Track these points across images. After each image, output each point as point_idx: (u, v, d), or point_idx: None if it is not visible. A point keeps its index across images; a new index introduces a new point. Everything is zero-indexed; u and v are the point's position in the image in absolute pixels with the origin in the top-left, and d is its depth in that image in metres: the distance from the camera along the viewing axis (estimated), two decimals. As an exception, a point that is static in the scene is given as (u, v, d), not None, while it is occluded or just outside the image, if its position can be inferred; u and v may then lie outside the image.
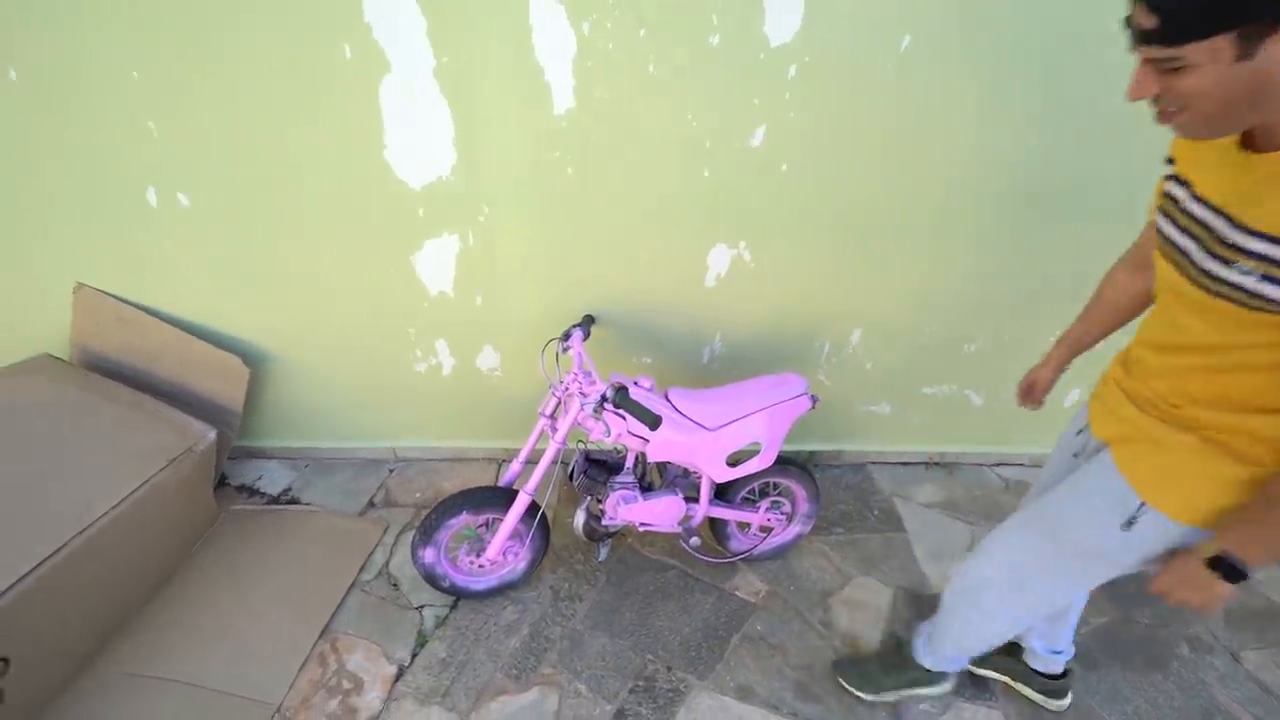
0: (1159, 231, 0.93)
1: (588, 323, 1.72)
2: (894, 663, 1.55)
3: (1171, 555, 0.96)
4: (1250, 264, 0.76)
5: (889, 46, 1.44)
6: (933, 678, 1.51)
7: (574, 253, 1.73)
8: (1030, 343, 1.96)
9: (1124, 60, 0.83)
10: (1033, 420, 2.19)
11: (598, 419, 1.48)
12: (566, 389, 1.52)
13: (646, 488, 1.71)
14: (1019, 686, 1.57)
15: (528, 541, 1.67)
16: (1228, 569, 0.86)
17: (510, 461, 1.84)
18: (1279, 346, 0.79)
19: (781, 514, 1.80)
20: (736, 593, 1.81)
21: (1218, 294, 0.80)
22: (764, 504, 1.77)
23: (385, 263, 1.75)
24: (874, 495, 2.13)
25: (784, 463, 1.74)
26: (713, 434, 1.54)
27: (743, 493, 1.77)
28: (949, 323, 1.91)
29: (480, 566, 1.68)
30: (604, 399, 1.40)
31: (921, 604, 1.80)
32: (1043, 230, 1.73)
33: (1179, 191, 0.90)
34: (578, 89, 1.47)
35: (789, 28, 1.41)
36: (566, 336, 1.62)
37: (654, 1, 1.36)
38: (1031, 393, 1.38)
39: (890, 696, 1.54)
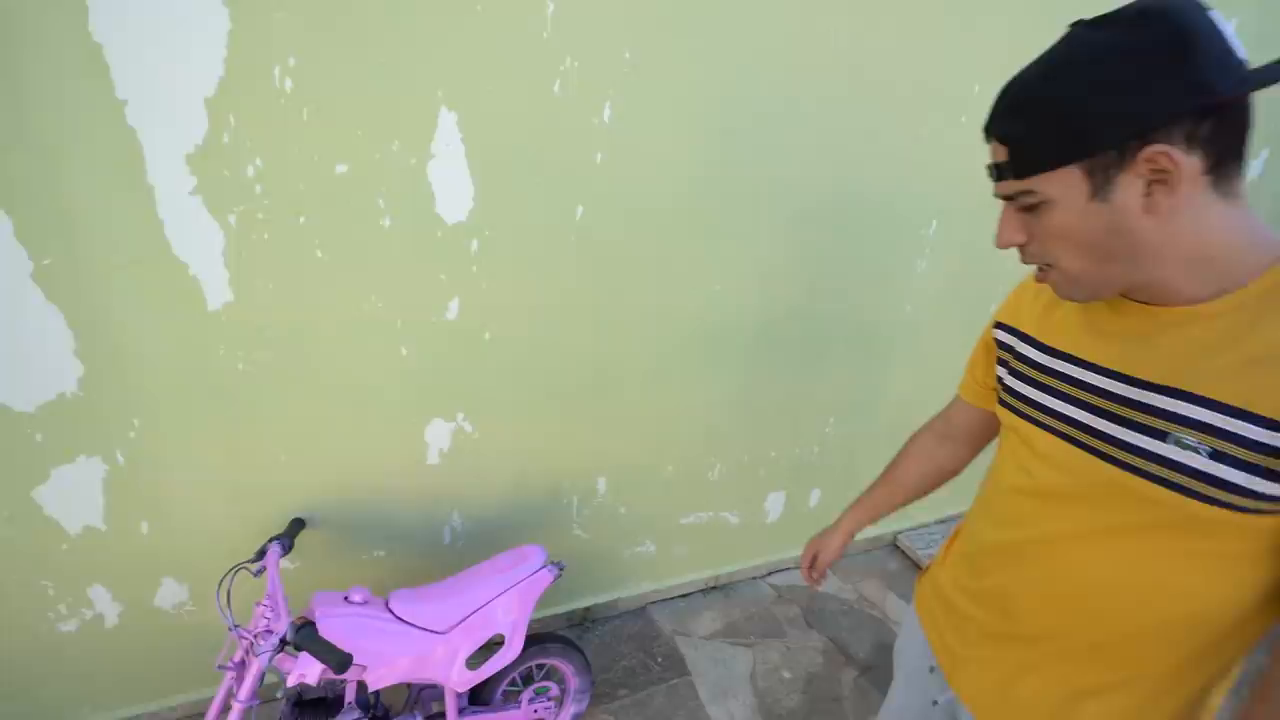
0: (1036, 405, 0.78)
1: (294, 531, 1.47)
2: None
3: None
4: (1194, 435, 0.62)
5: (566, 216, 1.53)
6: None
7: (265, 454, 1.50)
8: (761, 461, 2.11)
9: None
10: (789, 533, 2.34)
11: (293, 656, 1.22)
12: (254, 629, 1.24)
13: (385, 714, 1.43)
14: None
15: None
16: None
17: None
18: (1211, 563, 0.64)
19: (549, 700, 1.62)
20: (515, 811, 1.55)
21: (1159, 478, 0.64)
22: (526, 695, 1.58)
23: (-7, 505, 1.36)
24: (656, 640, 2.05)
25: (542, 640, 1.59)
26: (444, 637, 1.35)
27: (502, 687, 1.57)
28: (686, 456, 1.98)
29: None
30: (283, 641, 1.15)
31: (713, 757, 1.71)
32: (753, 360, 1.90)
33: (1042, 356, 0.79)
34: (234, 281, 1.32)
35: (462, 207, 1.43)
36: (260, 555, 1.36)
37: (310, 190, 1.30)
38: (816, 566, 1.16)
39: None
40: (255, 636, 1.23)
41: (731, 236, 1.71)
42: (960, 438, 1.07)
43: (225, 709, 1.24)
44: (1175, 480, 0.63)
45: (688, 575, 2.21)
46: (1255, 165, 2.58)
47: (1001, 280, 2.21)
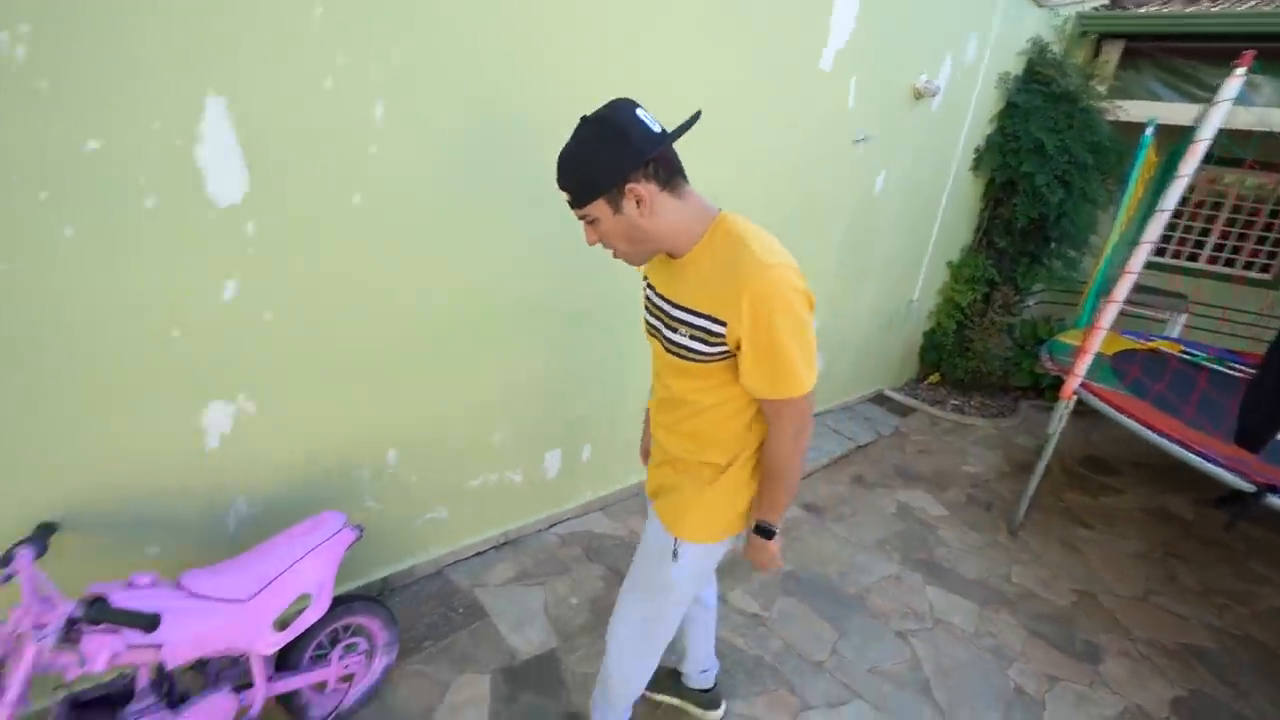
0: (646, 321, 1.32)
1: (43, 535, 1.36)
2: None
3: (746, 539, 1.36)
4: (684, 330, 1.16)
5: (341, 202, 1.64)
6: None
7: (4, 455, 1.36)
8: (544, 421, 2.41)
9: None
10: (567, 487, 2.67)
11: (71, 648, 1.17)
12: (13, 633, 1.17)
13: (181, 699, 1.42)
14: (684, 705, 1.90)
15: None
16: (765, 532, 1.29)
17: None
18: (712, 390, 1.21)
19: (359, 655, 1.72)
20: (332, 765, 1.63)
21: (676, 353, 1.20)
22: (336, 653, 1.67)
23: None
24: (455, 595, 2.23)
25: (346, 600, 1.69)
26: (249, 604, 1.40)
27: (310, 650, 1.63)
28: (471, 422, 2.19)
29: None
30: (71, 622, 1.13)
31: (516, 674, 1.96)
32: (524, 334, 2.18)
33: (649, 292, 1.30)
34: (-43, 263, 1.21)
35: (237, 190, 1.47)
36: (6, 560, 1.26)
37: (55, 161, 1.24)
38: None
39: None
40: (18, 635, 1.16)
41: (493, 225, 1.96)
42: None
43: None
44: (682, 353, 1.19)
45: (480, 534, 2.42)
46: (878, 181, 3.58)
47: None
